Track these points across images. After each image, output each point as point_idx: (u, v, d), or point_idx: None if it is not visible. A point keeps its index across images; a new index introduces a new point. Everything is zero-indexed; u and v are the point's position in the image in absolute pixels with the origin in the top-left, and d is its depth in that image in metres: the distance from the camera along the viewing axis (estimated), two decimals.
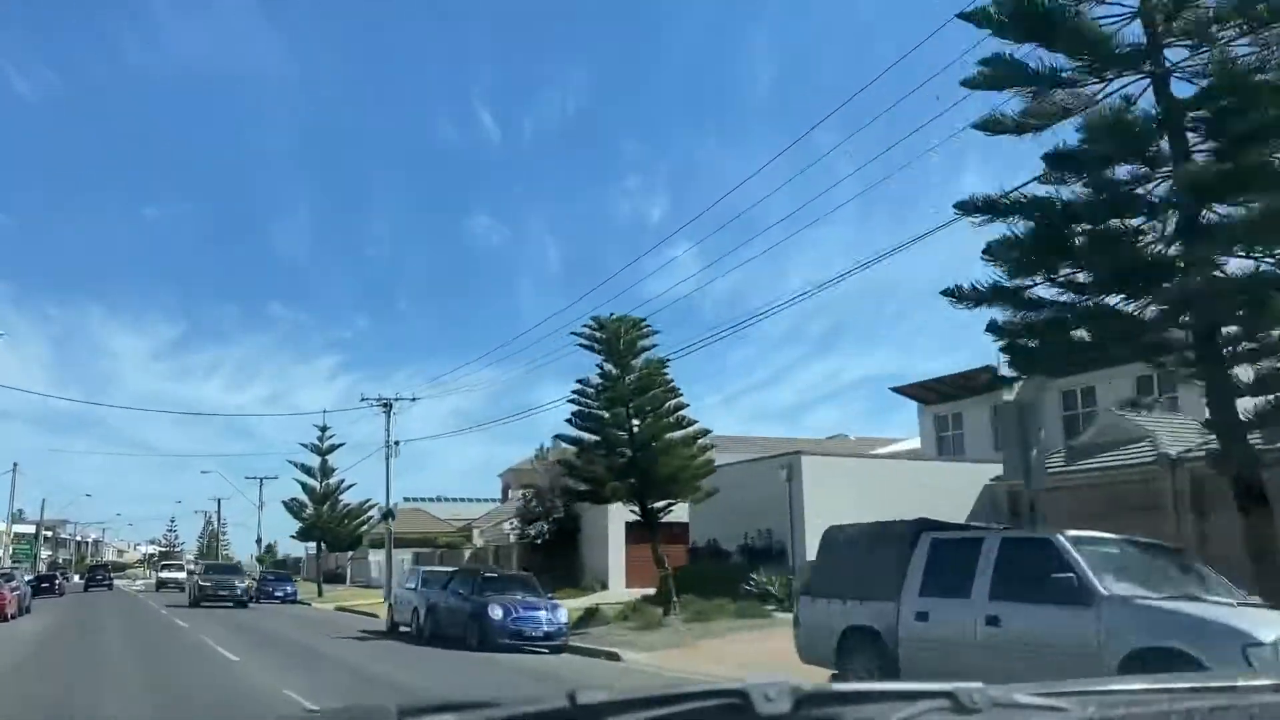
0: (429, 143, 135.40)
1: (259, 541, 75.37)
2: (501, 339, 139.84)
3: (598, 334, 22.91)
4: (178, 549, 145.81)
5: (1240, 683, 1.63)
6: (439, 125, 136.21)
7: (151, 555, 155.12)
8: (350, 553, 67.73)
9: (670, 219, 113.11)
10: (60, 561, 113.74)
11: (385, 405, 41.06)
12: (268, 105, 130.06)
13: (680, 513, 34.47)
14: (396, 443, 40.66)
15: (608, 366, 22.85)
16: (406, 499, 59.46)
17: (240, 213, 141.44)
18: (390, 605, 24.94)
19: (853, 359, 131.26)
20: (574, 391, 23.10)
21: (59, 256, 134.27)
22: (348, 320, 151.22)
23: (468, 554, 48.82)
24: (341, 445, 52.12)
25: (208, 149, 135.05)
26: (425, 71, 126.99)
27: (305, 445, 51.77)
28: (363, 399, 40.94)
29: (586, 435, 23.09)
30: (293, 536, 53.43)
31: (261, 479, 73.48)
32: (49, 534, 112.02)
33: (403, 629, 23.60)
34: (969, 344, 27.45)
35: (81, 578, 68.92)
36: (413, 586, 23.46)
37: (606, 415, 22.52)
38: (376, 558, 65.18)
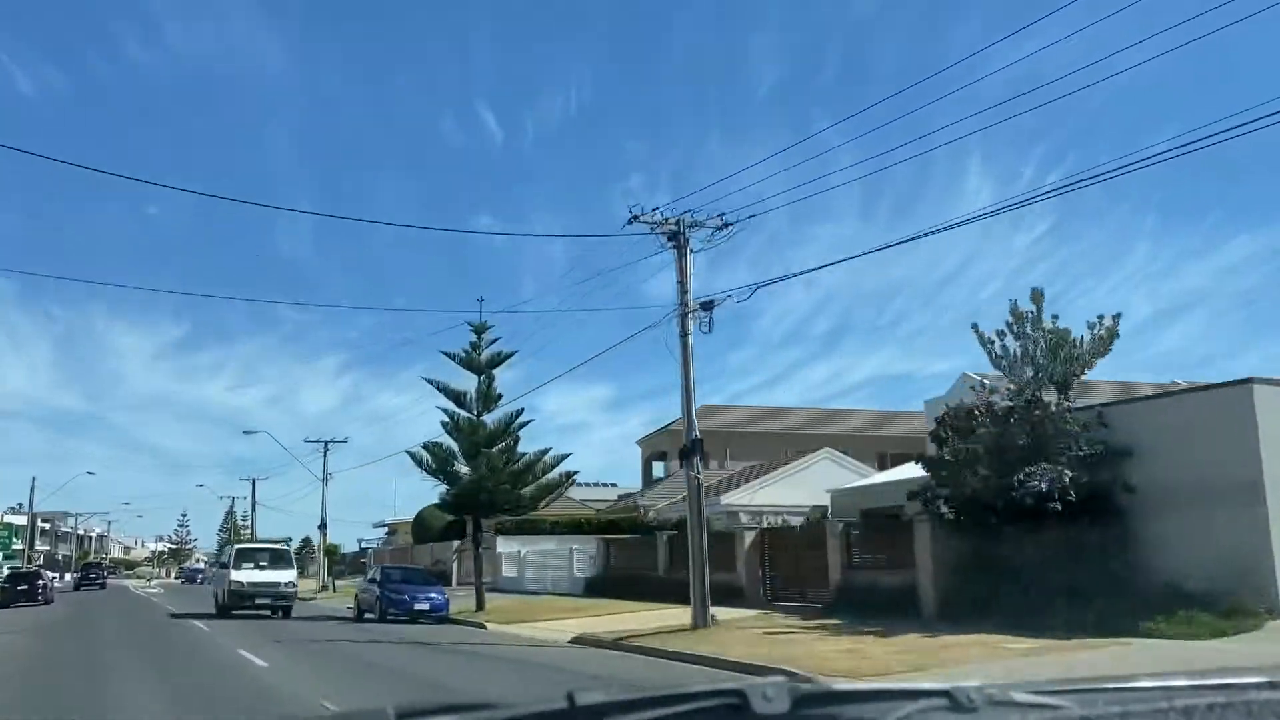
0: (431, 142, 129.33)
1: (323, 527, 55.62)
2: (504, 335, 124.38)
3: None
4: (188, 545, 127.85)
5: (1238, 680, 1.54)
6: (441, 124, 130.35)
7: (161, 552, 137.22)
8: (456, 542, 47.12)
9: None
10: (60, 559, 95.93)
11: (671, 235, 20.51)
12: (270, 104, 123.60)
13: None
14: (708, 305, 19.82)
15: None
16: None
17: (244, 212, 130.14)
18: None
19: None
20: None
21: (62, 255, 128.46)
22: (351, 319, 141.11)
23: (749, 539, 27.49)
24: (513, 354, 31.00)
25: (210, 148, 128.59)
26: (427, 70, 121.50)
27: (450, 356, 30.33)
28: (632, 218, 20.18)
29: None
30: (439, 505, 32.29)
31: (326, 442, 53.64)
32: (45, 526, 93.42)
33: None
34: None
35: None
36: None
37: None
38: (508, 547, 44.45)
